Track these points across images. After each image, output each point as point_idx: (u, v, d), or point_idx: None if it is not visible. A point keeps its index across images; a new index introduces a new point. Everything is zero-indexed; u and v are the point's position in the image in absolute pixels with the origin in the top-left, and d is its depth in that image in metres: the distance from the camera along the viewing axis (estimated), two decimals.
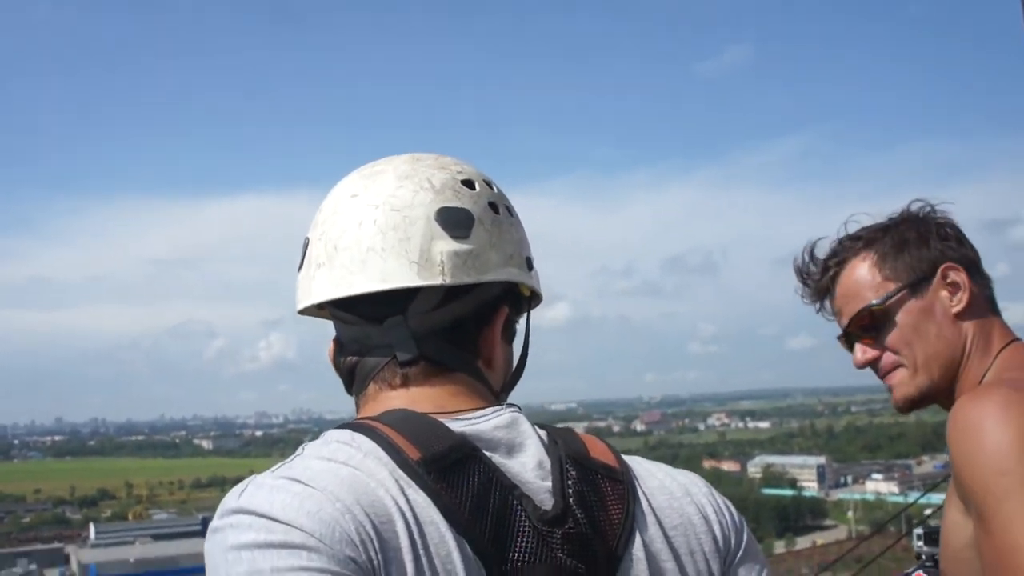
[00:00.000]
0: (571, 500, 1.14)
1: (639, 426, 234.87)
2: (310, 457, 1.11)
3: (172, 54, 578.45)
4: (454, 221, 1.26)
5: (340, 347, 1.31)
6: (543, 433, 1.22)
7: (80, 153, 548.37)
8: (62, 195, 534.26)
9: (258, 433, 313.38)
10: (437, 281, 1.24)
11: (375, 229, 1.24)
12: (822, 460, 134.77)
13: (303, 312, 1.33)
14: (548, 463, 1.17)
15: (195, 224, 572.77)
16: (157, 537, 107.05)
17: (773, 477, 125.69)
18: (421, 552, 1.04)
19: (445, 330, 1.26)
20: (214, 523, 1.06)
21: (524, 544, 1.09)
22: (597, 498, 1.17)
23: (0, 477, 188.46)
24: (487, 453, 1.14)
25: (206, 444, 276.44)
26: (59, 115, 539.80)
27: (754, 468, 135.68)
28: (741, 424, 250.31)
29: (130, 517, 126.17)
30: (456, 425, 1.16)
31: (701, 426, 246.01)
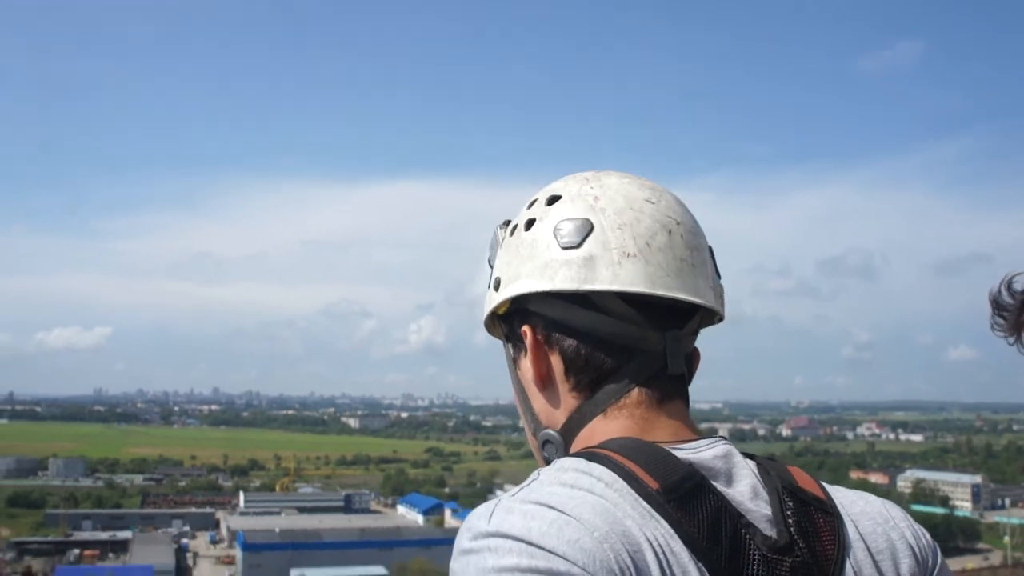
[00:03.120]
0: (792, 530, 1.17)
1: (785, 431, 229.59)
2: (551, 484, 1.12)
3: (336, 41, 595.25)
4: (714, 260, 1.37)
5: (581, 339, 1.28)
6: (752, 464, 1.24)
7: (243, 134, 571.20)
8: (226, 174, 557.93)
9: (403, 415, 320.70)
10: (720, 311, 1.33)
11: (683, 243, 1.29)
12: (978, 479, 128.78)
13: (569, 292, 1.27)
14: (764, 493, 1.20)
15: (353, 207, 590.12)
16: (302, 510, 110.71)
17: (924, 493, 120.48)
18: None
19: (687, 356, 1.32)
20: (465, 544, 1.07)
21: (755, 572, 1.12)
22: (813, 529, 1.20)
23: (161, 441, 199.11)
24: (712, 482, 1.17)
25: (353, 422, 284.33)
26: (224, 96, 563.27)
27: (904, 482, 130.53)
28: (892, 435, 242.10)
29: (277, 488, 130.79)
30: (680, 454, 1.18)
31: (850, 435, 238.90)
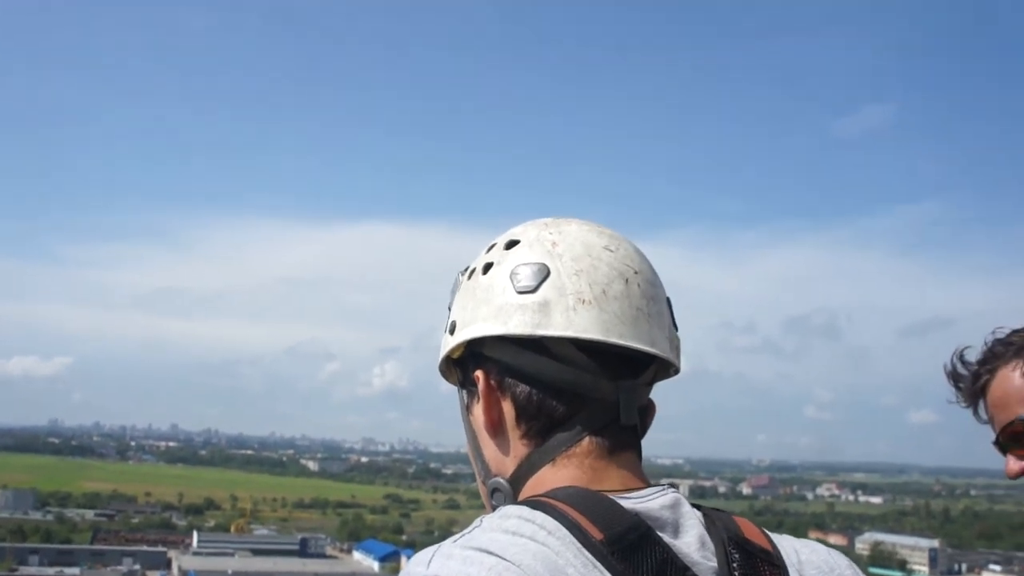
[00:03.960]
0: None
1: (745, 489, 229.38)
2: (492, 530, 1.11)
3: (313, 79, 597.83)
4: (671, 311, 1.36)
5: (534, 386, 1.27)
6: (699, 514, 1.23)
7: (214, 168, 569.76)
8: (198, 209, 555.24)
9: (363, 459, 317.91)
10: (676, 362, 1.32)
11: (640, 292, 1.29)
12: (935, 543, 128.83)
13: (523, 337, 1.26)
14: (711, 544, 1.19)
15: (323, 247, 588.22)
16: (256, 552, 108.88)
17: (882, 556, 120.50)
18: None
19: (642, 407, 1.31)
20: None
21: None
22: None
23: (116, 476, 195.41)
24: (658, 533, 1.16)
25: (312, 465, 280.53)
26: (196, 130, 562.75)
27: (862, 545, 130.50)
28: (852, 497, 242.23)
29: (232, 529, 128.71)
30: (627, 503, 1.17)
31: (810, 495, 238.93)
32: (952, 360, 1.93)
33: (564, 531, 1.10)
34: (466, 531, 1.13)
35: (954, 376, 1.93)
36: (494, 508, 1.27)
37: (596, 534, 1.11)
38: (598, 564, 1.08)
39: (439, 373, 1.45)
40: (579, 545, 1.09)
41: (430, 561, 1.07)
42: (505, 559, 1.05)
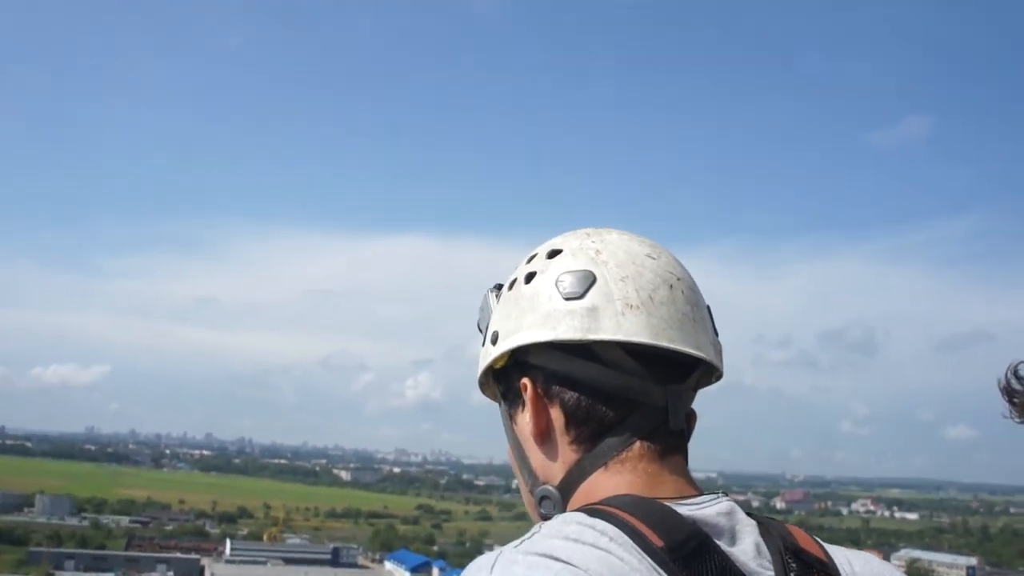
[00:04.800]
0: None
1: (779, 503, 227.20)
2: (553, 536, 1.10)
3: (350, 89, 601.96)
4: (712, 318, 1.37)
5: (583, 392, 1.27)
6: (754, 522, 1.23)
7: (250, 180, 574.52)
8: (234, 219, 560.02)
9: (396, 470, 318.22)
10: (720, 367, 1.33)
11: (684, 298, 1.30)
12: (973, 561, 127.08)
13: (571, 343, 1.26)
14: (767, 552, 1.19)
15: (359, 259, 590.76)
16: (288, 560, 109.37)
17: (918, 574, 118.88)
18: None
19: (687, 413, 1.31)
20: None
21: None
22: None
23: (150, 483, 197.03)
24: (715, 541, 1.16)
25: (344, 475, 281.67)
26: (233, 141, 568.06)
27: (898, 561, 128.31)
28: (887, 513, 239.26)
29: (265, 538, 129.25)
30: (683, 511, 1.17)
31: (844, 510, 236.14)
32: (1007, 375, 1.89)
33: (626, 538, 1.10)
34: (526, 537, 1.12)
35: (1008, 391, 1.89)
36: (543, 516, 1.26)
37: (656, 541, 1.11)
38: (660, 571, 1.08)
39: (478, 386, 1.45)
40: (641, 552, 1.09)
41: (493, 566, 1.06)
42: (572, 564, 1.04)
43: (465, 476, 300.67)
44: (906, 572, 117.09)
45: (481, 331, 1.40)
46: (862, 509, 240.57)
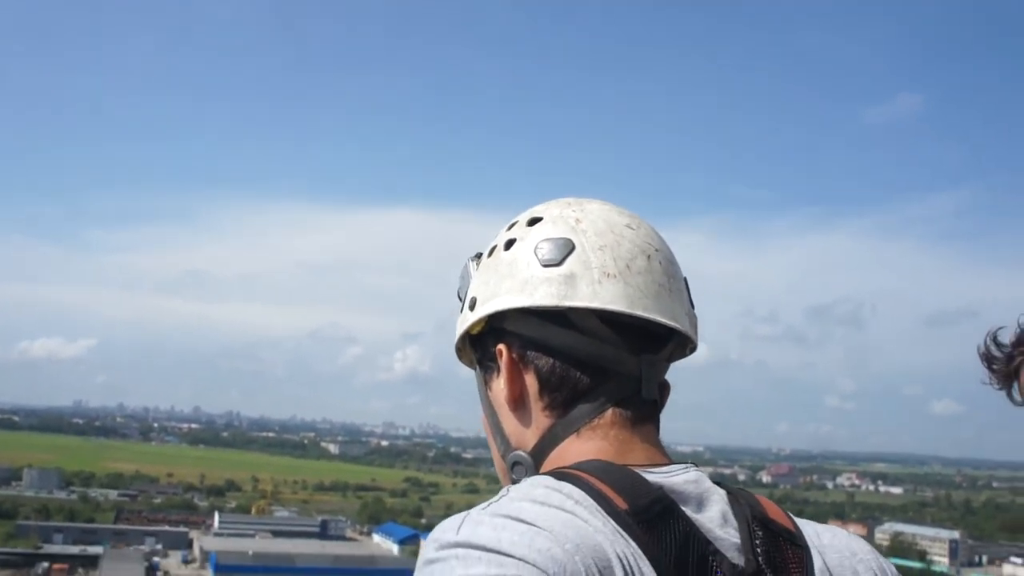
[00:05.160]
0: (760, 559, 1.18)
1: (765, 478, 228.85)
2: (519, 499, 1.11)
3: (339, 65, 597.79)
4: (688, 290, 1.38)
5: (557, 358, 1.28)
6: (723, 491, 1.24)
7: (239, 153, 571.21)
8: (223, 192, 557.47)
9: (384, 443, 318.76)
10: (694, 339, 1.34)
11: (661, 269, 1.31)
12: (956, 535, 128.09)
13: (548, 309, 1.28)
14: (734, 521, 1.20)
15: (347, 232, 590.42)
16: (277, 533, 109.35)
17: (901, 547, 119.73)
18: None
19: (660, 384, 1.32)
20: (430, 555, 1.06)
21: None
22: (781, 559, 1.20)
23: (138, 457, 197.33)
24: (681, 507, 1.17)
25: (333, 448, 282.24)
26: (221, 115, 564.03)
27: (882, 535, 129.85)
28: (872, 487, 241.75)
29: (253, 511, 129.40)
30: (651, 477, 1.19)
31: (830, 484, 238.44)
32: (985, 341, 1.90)
33: (591, 501, 1.12)
34: (493, 500, 1.13)
35: (987, 357, 1.89)
36: (514, 482, 1.27)
37: (621, 504, 1.12)
38: (624, 533, 1.09)
39: (455, 352, 1.46)
40: (605, 514, 1.11)
41: (459, 527, 1.07)
42: (536, 525, 1.05)
43: (453, 449, 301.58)
44: (889, 545, 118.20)
45: (461, 299, 1.41)
46: (847, 483, 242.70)
